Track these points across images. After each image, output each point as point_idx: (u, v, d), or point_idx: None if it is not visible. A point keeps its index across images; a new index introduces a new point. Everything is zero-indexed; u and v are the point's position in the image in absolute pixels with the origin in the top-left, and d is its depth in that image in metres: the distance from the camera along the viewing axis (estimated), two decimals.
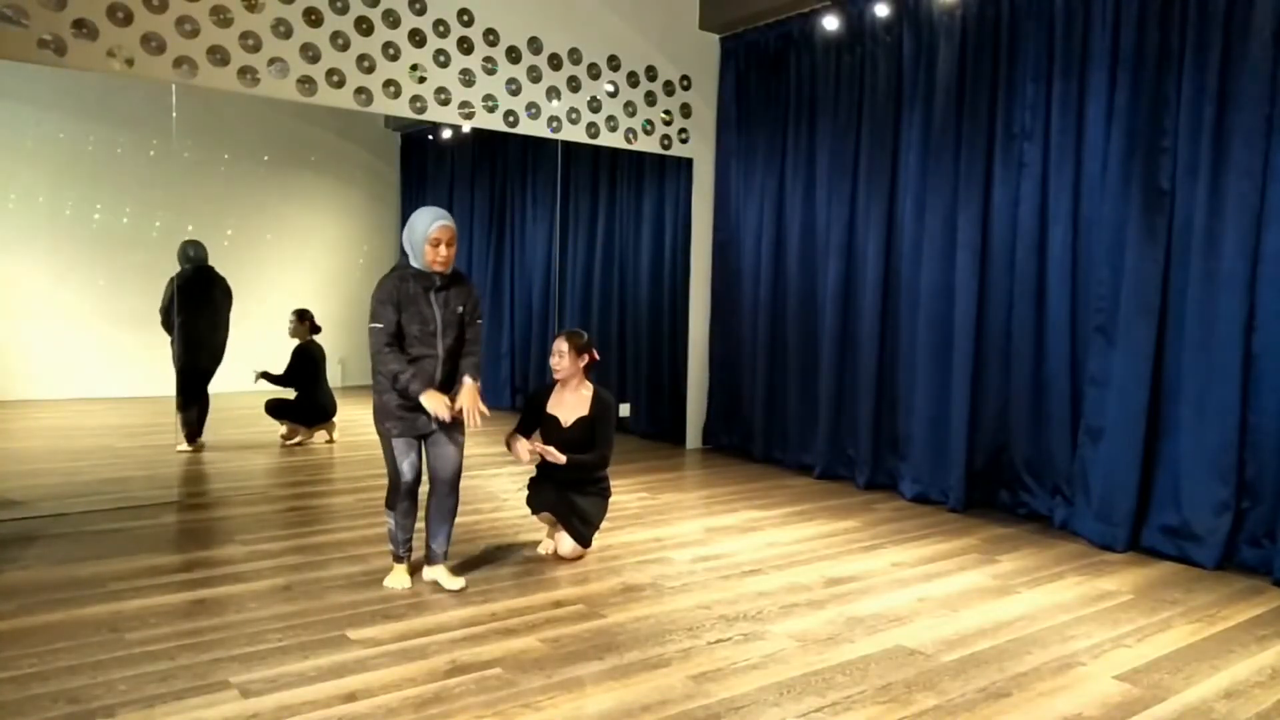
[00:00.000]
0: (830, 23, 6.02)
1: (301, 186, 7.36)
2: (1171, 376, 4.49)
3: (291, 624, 3.29)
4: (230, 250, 6.88)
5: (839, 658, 3.13)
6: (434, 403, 3.52)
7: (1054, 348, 4.96)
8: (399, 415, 3.59)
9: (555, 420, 4.13)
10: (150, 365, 5.95)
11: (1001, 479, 5.31)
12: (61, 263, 6.49)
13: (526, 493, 4.27)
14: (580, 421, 4.10)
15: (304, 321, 6.61)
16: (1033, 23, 5.02)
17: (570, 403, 4.14)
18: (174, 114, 5.17)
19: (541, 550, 4.26)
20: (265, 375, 6.55)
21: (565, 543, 4.16)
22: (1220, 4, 4.24)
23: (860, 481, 5.89)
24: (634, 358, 7.46)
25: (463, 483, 5.64)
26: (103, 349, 6.58)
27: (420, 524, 3.81)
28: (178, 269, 6.01)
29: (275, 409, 6.68)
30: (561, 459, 3.99)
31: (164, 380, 5.61)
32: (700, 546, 4.45)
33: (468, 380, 3.63)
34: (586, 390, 4.16)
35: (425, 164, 8.10)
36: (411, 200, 8.12)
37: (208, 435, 6.42)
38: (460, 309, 3.64)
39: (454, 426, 3.66)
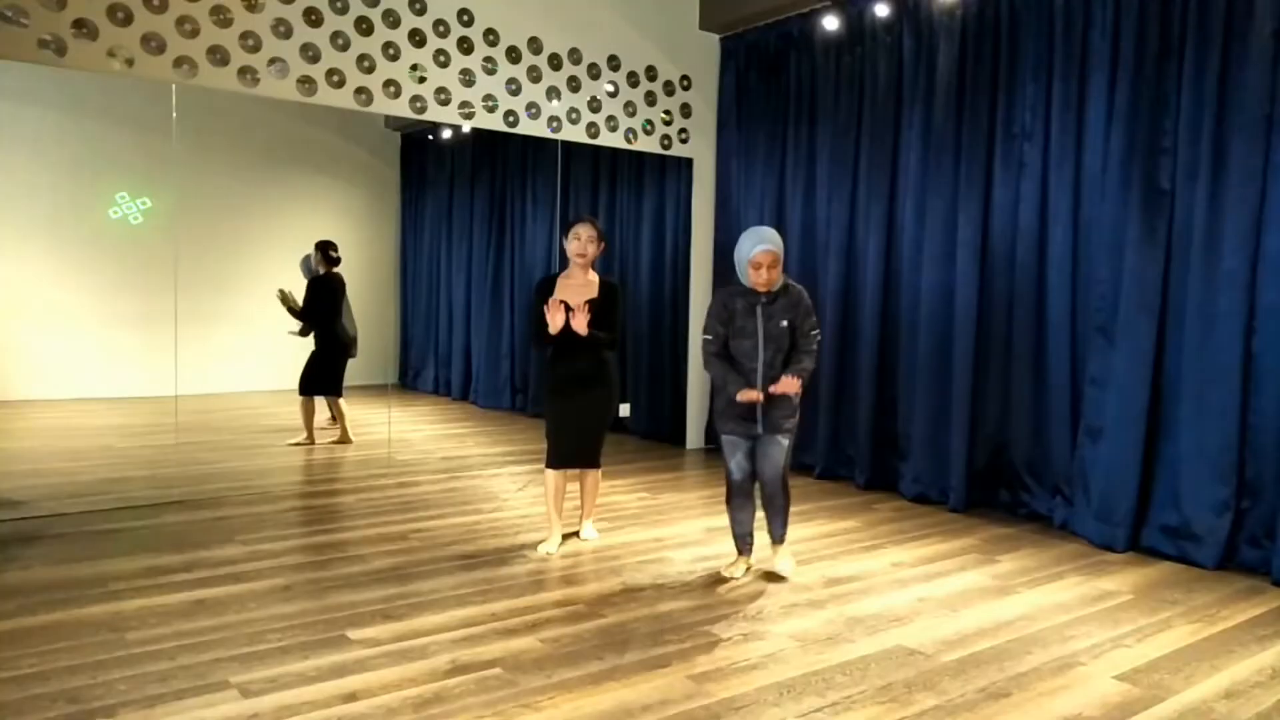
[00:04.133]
0: (830, 23, 6.02)
1: (301, 186, 7.36)
2: (1171, 376, 4.48)
3: (291, 624, 3.29)
4: (230, 250, 6.88)
5: (839, 658, 3.14)
6: (746, 395, 3.77)
7: (1054, 348, 4.96)
8: (731, 417, 3.89)
9: (564, 305, 4.25)
10: (150, 365, 5.95)
11: (1001, 479, 5.31)
12: (61, 263, 6.49)
13: (546, 453, 4.40)
14: (588, 304, 4.23)
15: (320, 252, 6.52)
16: (1033, 23, 5.02)
17: (578, 288, 4.29)
18: (174, 114, 5.17)
19: (541, 550, 4.27)
20: (286, 299, 6.47)
21: (588, 529, 4.51)
22: (1220, 4, 4.24)
23: (860, 481, 5.89)
24: (634, 358, 7.46)
25: (461, 482, 5.70)
26: (103, 349, 6.58)
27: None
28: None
29: (307, 382, 6.53)
30: (584, 330, 4.10)
31: (164, 380, 5.61)
32: (700, 546, 4.45)
33: (787, 374, 3.77)
34: (593, 276, 4.33)
35: (425, 164, 8.10)
36: (411, 200, 8.12)
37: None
38: (785, 323, 3.82)
39: (778, 431, 3.87)
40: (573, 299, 4.22)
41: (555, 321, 4.09)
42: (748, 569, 4.06)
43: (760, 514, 4.05)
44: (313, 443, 6.63)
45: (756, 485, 4.00)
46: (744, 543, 4.05)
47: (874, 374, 5.83)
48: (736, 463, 3.94)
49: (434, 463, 6.24)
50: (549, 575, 3.96)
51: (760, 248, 3.72)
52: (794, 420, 3.93)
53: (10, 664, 2.89)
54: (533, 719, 2.64)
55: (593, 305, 4.22)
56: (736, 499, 3.99)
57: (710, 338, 3.91)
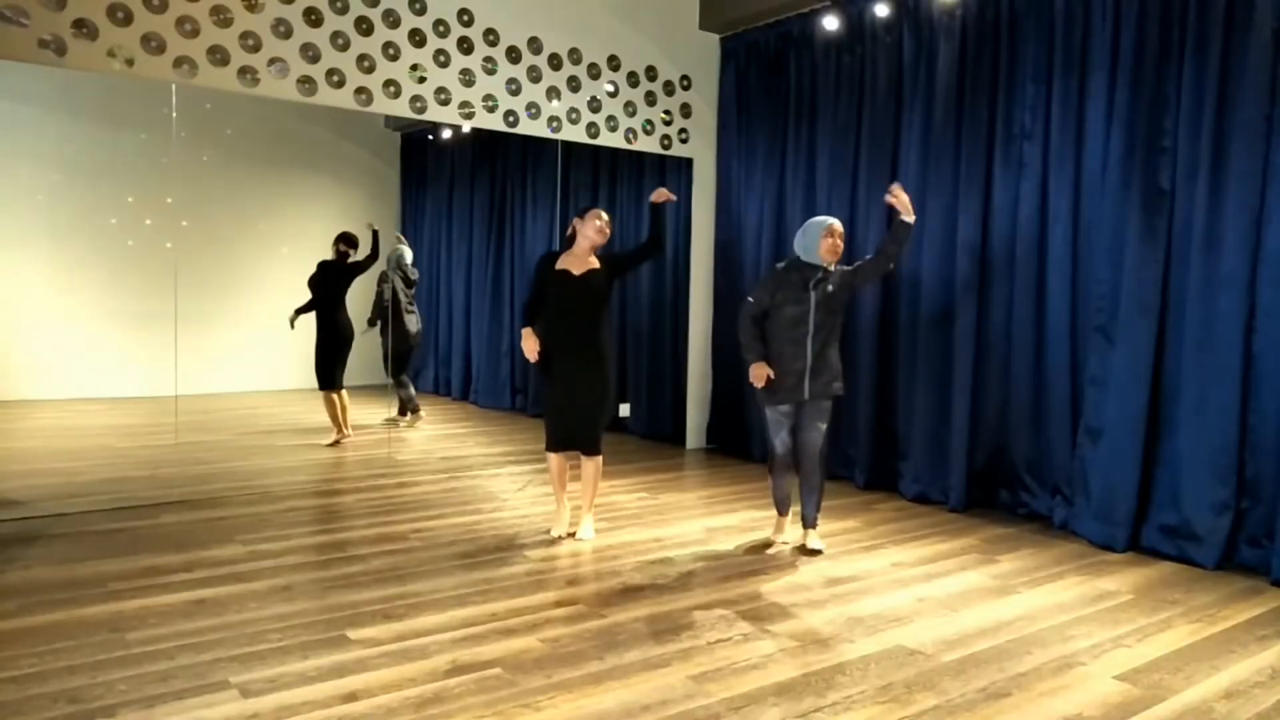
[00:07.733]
0: (830, 23, 6.02)
1: (301, 186, 7.36)
2: (1171, 376, 4.48)
3: (291, 624, 3.29)
4: (230, 250, 6.88)
5: (839, 658, 3.14)
6: (757, 371, 4.20)
7: (1054, 348, 4.96)
8: (780, 388, 4.23)
9: (566, 273, 4.35)
10: (150, 365, 5.95)
11: (1001, 479, 5.31)
12: (62, 263, 6.49)
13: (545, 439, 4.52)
14: (592, 272, 4.36)
15: (346, 243, 6.61)
16: (1033, 23, 5.02)
17: (581, 261, 4.40)
18: (174, 114, 5.17)
19: (553, 533, 4.46)
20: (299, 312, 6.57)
21: (585, 528, 4.50)
22: (1220, 4, 4.24)
23: (860, 481, 5.89)
24: (634, 358, 7.46)
25: (461, 482, 5.70)
26: (103, 349, 6.59)
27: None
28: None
29: (323, 373, 6.54)
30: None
31: (164, 380, 5.61)
32: (700, 546, 4.45)
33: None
34: (592, 257, 4.45)
35: (425, 164, 8.10)
36: (411, 200, 8.12)
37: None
38: (832, 288, 4.22)
39: (816, 413, 4.27)
40: (575, 268, 4.36)
41: (530, 352, 4.29)
42: (786, 543, 4.46)
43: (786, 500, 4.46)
44: (343, 436, 6.58)
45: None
46: (783, 505, 4.49)
47: (874, 373, 5.83)
48: (781, 439, 4.35)
49: (434, 463, 6.24)
50: (549, 575, 3.96)
51: (834, 220, 4.25)
52: (838, 384, 4.29)
53: (10, 664, 2.89)
54: (533, 719, 2.64)
55: (595, 273, 4.36)
56: (778, 469, 4.42)
57: (752, 300, 4.32)
